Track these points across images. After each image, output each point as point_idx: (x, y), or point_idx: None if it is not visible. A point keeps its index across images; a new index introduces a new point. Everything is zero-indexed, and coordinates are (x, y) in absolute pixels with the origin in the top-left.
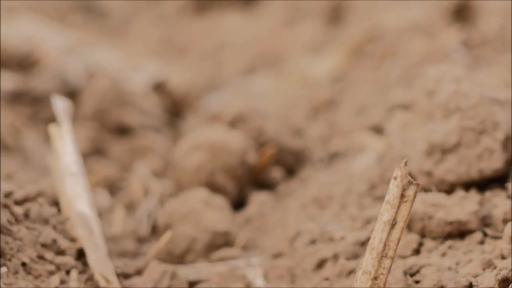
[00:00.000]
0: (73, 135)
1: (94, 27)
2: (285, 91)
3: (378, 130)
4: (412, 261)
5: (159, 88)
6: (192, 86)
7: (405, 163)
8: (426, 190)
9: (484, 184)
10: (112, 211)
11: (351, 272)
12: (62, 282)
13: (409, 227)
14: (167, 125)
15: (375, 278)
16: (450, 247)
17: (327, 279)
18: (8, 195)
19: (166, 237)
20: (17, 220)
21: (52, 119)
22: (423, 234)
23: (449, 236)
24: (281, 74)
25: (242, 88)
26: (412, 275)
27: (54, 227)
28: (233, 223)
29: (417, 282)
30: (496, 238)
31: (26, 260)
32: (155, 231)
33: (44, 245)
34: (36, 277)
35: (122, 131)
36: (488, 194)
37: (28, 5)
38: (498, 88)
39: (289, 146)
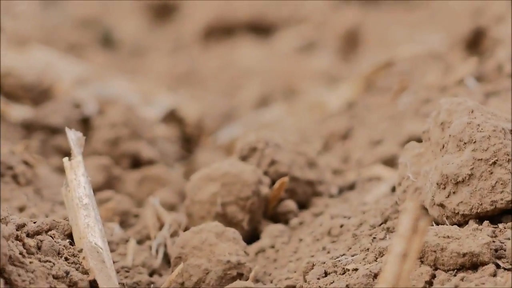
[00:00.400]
0: (86, 167)
1: (109, 58)
2: (299, 123)
3: (391, 162)
4: None
5: (173, 118)
6: (206, 117)
7: (417, 195)
8: (438, 222)
9: (497, 216)
10: (125, 243)
11: None
12: None
13: (421, 259)
14: (181, 156)
15: None
16: (462, 279)
17: None
18: (20, 227)
19: (178, 269)
20: (30, 253)
21: (64, 150)
22: (435, 266)
23: (461, 268)
24: (295, 105)
25: (256, 119)
26: None
27: (67, 259)
28: (245, 255)
29: None
30: (509, 270)
31: None
32: (168, 263)
33: (56, 277)
34: None
35: (135, 162)
36: (501, 226)
37: (45, 35)
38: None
39: (303, 178)
